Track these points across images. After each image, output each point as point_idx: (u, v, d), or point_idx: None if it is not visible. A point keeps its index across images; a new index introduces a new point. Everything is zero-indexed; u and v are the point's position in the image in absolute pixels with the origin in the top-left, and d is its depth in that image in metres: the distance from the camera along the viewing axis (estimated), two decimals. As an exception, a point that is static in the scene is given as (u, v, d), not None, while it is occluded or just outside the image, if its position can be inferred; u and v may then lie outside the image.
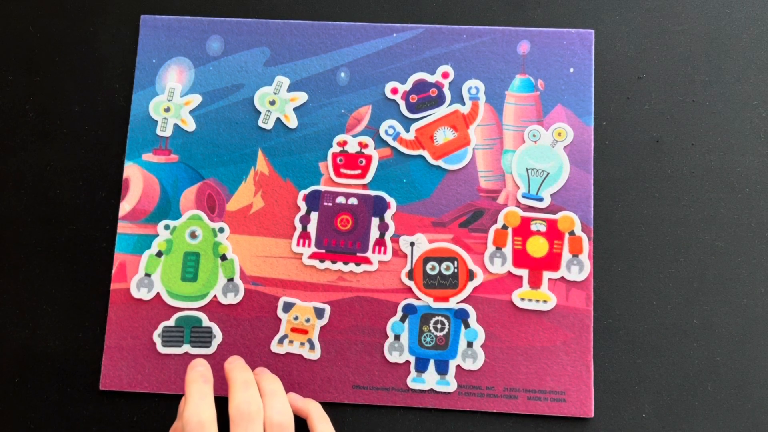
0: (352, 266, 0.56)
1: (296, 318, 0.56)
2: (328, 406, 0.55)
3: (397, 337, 0.56)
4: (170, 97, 0.59)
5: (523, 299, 0.56)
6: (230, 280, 0.57)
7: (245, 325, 0.56)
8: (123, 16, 0.61)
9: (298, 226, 0.57)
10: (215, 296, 0.57)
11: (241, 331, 0.56)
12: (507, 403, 0.55)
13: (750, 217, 0.57)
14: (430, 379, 0.55)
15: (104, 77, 0.61)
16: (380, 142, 0.58)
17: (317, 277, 0.57)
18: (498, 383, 0.55)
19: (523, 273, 0.56)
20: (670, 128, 0.58)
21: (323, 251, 0.57)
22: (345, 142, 0.58)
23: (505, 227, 0.57)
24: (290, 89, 0.59)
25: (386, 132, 0.58)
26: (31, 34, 0.62)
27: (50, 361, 0.57)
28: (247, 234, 0.57)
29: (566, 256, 0.56)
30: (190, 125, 0.59)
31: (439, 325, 0.56)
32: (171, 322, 0.56)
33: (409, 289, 0.56)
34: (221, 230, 0.57)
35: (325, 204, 0.57)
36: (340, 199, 0.57)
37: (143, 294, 0.57)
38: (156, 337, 0.56)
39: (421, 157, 0.58)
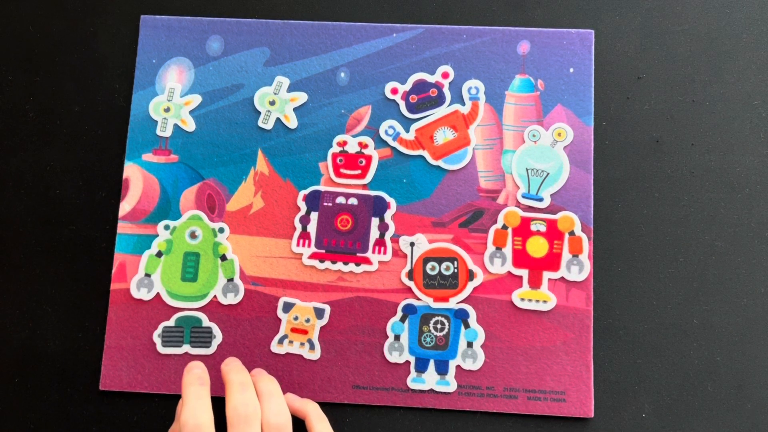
0: (352, 266, 0.56)
1: (296, 318, 0.56)
2: (328, 406, 0.55)
3: (397, 337, 0.56)
4: (170, 97, 0.59)
5: (523, 299, 0.56)
6: (230, 280, 0.57)
7: (245, 325, 0.56)
8: (123, 16, 0.61)
9: (298, 226, 0.57)
10: (215, 296, 0.57)
11: (241, 331, 0.56)
12: (507, 403, 0.55)
13: (750, 217, 0.57)
14: (430, 379, 0.55)
15: (104, 77, 0.61)
16: (380, 142, 0.58)
17: (317, 278, 0.57)
18: (498, 383, 0.55)
19: (523, 273, 0.56)
20: (670, 128, 0.58)
21: (323, 251, 0.57)
22: (345, 142, 0.58)
23: (505, 227, 0.57)
24: (290, 89, 0.59)
25: (386, 132, 0.58)
26: (31, 34, 0.62)
27: (50, 361, 0.57)
28: (247, 234, 0.57)
29: (566, 256, 0.56)
30: (190, 125, 0.59)
31: (439, 326, 0.56)
32: (171, 323, 0.56)
33: (409, 290, 0.56)
34: (221, 230, 0.57)
35: (325, 204, 0.57)
36: (340, 200, 0.58)
37: (143, 294, 0.57)
38: (156, 338, 0.56)
39: (421, 157, 0.58)
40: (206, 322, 0.56)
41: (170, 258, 0.57)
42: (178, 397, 0.56)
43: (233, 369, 0.50)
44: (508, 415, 0.55)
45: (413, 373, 0.55)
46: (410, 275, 0.56)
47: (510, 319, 0.56)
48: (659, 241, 0.57)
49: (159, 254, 0.57)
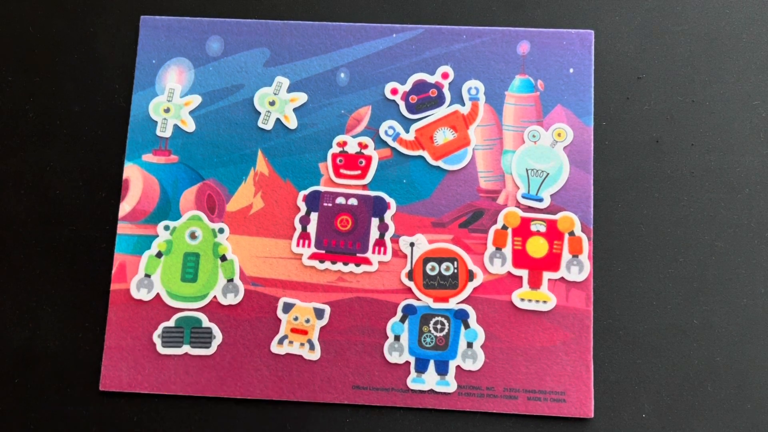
0: (352, 267, 0.56)
1: (296, 318, 0.56)
2: (327, 407, 0.55)
3: (396, 338, 0.56)
4: (170, 98, 0.59)
5: (523, 299, 0.56)
6: (230, 280, 0.57)
7: (245, 325, 0.56)
8: (123, 16, 0.61)
9: (298, 226, 0.57)
10: (215, 297, 0.57)
11: (241, 331, 0.56)
12: (507, 404, 0.55)
13: (750, 217, 0.57)
14: (429, 380, 0.55)
15: (104, 77, 0.61)
16: (380, 143, 0.58)
17: (317, 278, 0.57)
18: (498, 383, 0.55)
19: (523, 273, 0.56)
20: (670, 128, 0.58)
21: (323, 252, 0.57)
22: (345, 143, 0.58)
23: (504, 227, 0.57)
24: (290, 90, 0.59)
25: (386, 132, 0.58)
26: (31, 34, 0.62)
27: (50, 361, 0.57)
28: (247, 234, 0.57)
29: (566, 256, 0.56)
30: (189, 126, 0.59)
31: (438, 326, 0.56)
32: (171, 323, 0.56)
33: (409, 290, 0.56)
34: (221, 231, 0.57)
35: (325, 204, 0.57)
36: (340, 200, 0.58)
37: (143, 294, 0.57)
38: (156, 338, 0.56)
39: (421, 157, 0.58)
40: (206, 322, 0.56)
41: (170, 258, 0.57)
42: (178, 397, 0.56)
43: None
44: (508, 416, 0.55)
45: (413, 374, 0.55)
46: (410, 275, 0.56)
47: (510, 320, 0.56)
48: (659, 241, 0.57)
49: (159, 255, 0.57)
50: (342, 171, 0.58)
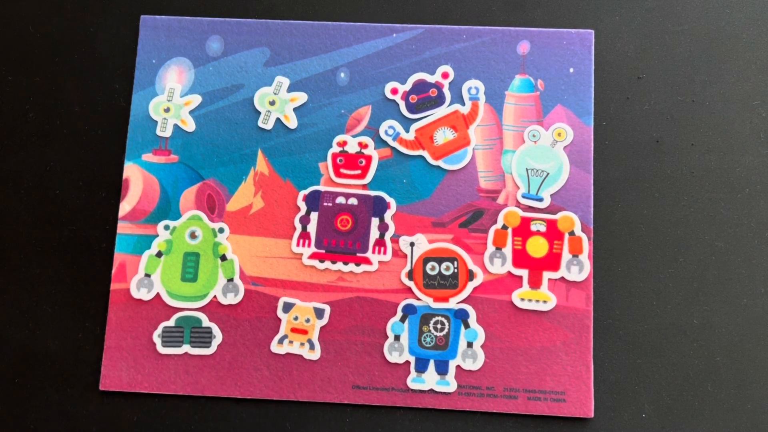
0: (352, 266, 0.56)
1: (296, 318, 0.56)
2: (327, 407, 0.55)
3: (397, 338, 0.56)
4: (170, 98, 0.59)
5: (523, 299, 0.56)
6: (230, 280, 0.57)
7: (245, 325, 0.56)
8: (123, 16, 0.61)
9: (298, 226, 0.57)
10: (215, 296, 0.57)
11: (241, 331, 0.56)
12: (507, 404, 0.55)
13: (750, 217, 0.57)
14: (429, 380, 0.55)
15: (104, 77, 0.61)
16: (380, 143, 0.58)
17: (317, 278, 0.57)
18: (498, 383, 0.55)
19: (523, 273, 0.56)
20: (670, 128, 0.58)
21: (323, 251, 0.57)
22: (345, 143, 0.58)
23: (505, 227, 0.57)
24: (290, 89, 0.59)
25: (386, 132, 0.58)
26: (31, 34, 0.62)
27: (50, 361, 0.57)
28: (247, 234, 0.57)
29: (566, 256, 0.56)
30: (190, 125, 0.59)
31: (439, 326, 0.56)
32: (171, 323, 0.56)
33: (409, 290, 0.56)
34: (221, 230, 0.57)
35: (325, 204, 0.57)
36: (340, 200, 0.58)
37: (143, 294, 0.57)
38: (156, 338, 0.56)
39: (421, 157, 0.58)
40: (206, 322, 0.56)
41: (170, 258, 0.57)
42: (178, 397, 0.56)
43: None
44: (508, 415, 0.55)
45: (413, 373, 0.55)
46: (410, 275, 0.56)
47: (510, 319, 0.56)
48: (659, 241, 0.57)
49: (159, 254, 0.57)
50: (342, 171, 0.58)
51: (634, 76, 0.59)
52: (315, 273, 0.57)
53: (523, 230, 0.57)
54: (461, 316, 0.56)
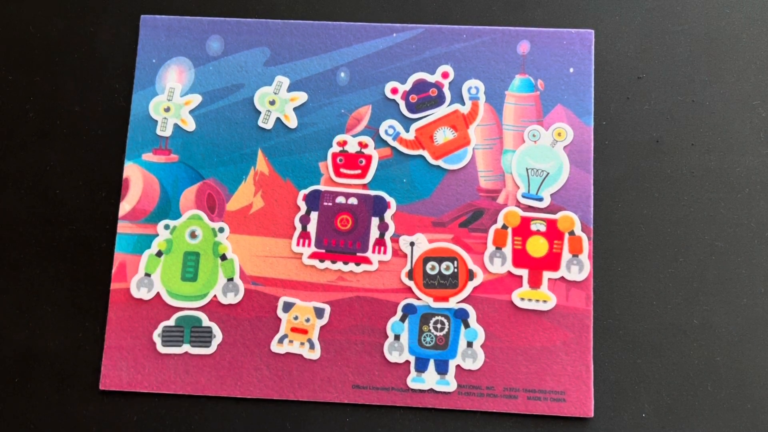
0: (352, 266, 0.56)
1: (296, 318, 0.56)
2: (327, 406, 0.55)
3: (397, 337, 0.56)
4: (170, 97, 0.59)
5: (523, 299, 0.56)
6: (230, 279, 0.57)
7: (245, 325, 0.56)
8: (123, 16, 0.61)
9: (298, 226, 0.57)
10: (215, 296, 0.57)
11: (241, 331, 0.56)
12: (507, 403, 0.55)
13: (750, 217, 0.57)
14: (429, 379, 0.55)
15: (104, 77, 0.61)
16: (380, 142, 0.58)
17: (317, 277, 0.57)
18: (498, 383, 0.55)
19: (523, 273, 0.56)
20: (670, 128, 0.58)
21: (323, 251, 0.57)
22: (345, 142, 0.58)
23: (505, 227, 0.57)
24: (290, 89, 0.59)
25: (386, 132, 0.58)
26: (31, 34, 0.62)
27: (50, 361, 0.57)
28: (247, 234, 0.57)
29: (566, 256, 0.56)
30: (190, 125, 0.59)
31: (438, 325, 0.56)
32: (171, 322, 0.56)
33: (409, 289, 0.56)
34: (221, 230, 0.57)
35: (325, 204, 0.57)
36: (340, 199, 0.58)
37: (143, 294, 0.57)
38: (156, 337, 0.56)
39: (421, 157, 0.58)
40: (206, 321, 0.56)
41: (170, 258, 0.57)
42: (178, 396, 0.56)
43: None
44: (508, 415, 0.55)
45: (413, 373, 0.55)
46: (410, 275, 0.56)
47: (510, 319, 0.56)
48: (659, 241, 0.57)
49: (159, 254, 0.57)
50: (342, 170, 0.58)
51: (634, 76, 0.59)
52: (315, 272, 0.57)
53: (523, 230, 0.57)
54: (461, 316, 0.56)
